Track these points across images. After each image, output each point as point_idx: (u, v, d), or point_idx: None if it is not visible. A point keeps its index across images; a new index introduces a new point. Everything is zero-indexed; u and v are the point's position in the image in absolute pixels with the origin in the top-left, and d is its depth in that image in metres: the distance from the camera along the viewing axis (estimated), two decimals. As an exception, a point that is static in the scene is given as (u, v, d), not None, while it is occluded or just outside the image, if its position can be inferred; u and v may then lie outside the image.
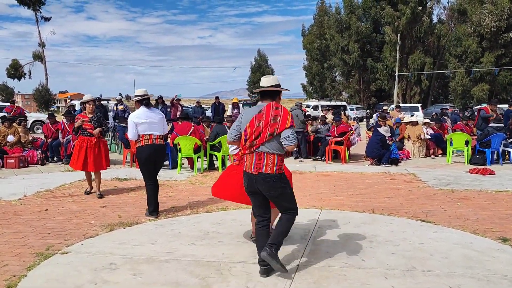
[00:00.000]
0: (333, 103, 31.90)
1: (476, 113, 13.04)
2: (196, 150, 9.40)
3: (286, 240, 4.72)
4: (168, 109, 14.88)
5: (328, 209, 6.12)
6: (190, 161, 9.78)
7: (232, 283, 3.58)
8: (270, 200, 3.81)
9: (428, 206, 6.31)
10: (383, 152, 10.54)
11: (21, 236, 4.89)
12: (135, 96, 6.00)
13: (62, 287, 3.51)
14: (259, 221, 3.87)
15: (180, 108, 15.01)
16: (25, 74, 55.06)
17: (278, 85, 3.83)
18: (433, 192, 7.31)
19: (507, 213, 5.87)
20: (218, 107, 15.53)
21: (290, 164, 10.82)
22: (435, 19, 46.43)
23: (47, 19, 54.02)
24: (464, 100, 41.38)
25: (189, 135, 9.44)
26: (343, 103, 33.92)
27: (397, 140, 12.74)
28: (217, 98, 15.78)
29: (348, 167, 10.22)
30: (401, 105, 34.81)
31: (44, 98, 52.23)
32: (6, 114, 14.33)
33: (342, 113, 21.22)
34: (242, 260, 4.11)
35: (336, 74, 52.38)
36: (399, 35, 40.00)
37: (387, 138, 10.74)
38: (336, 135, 11.49)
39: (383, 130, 10.63)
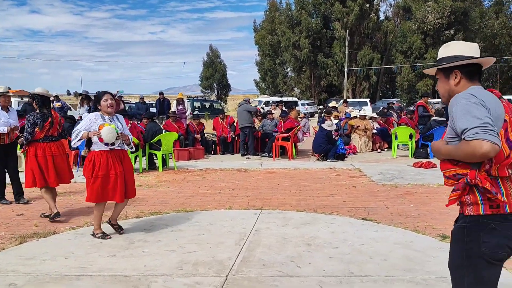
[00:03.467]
0: (284, 98, 31.87)
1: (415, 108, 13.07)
2: (136, 149, 8.80)
3: (219, 247, 4.36)
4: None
5: (268, 209, 5.79)
6: (128, 161, 9.17)
7: (149, 302, 3.16)
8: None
9: (371, 203, 6.12)
10: (329, 147, 10.39)
11: None
12: None
13: None
14: None
15: (123, 105, 14.24)
16: (-41, 70, 51.34)
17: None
18: (377, 187, 7.17)
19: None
20: (163, 103, 14.89)
21: (237, 161, 10.47)
22: (382, 16, 47.57)
23: (-17, 11, 50.79)
24: (410, 94, 42.67)
25: (126, 133, 8.81)
26: (294, 98, 34.03)
27: (345, 135, 12.69)
28: (161, 93, 15.13)
29: (294, 163, 9.99)
30: (351, 100, 35.43)
31: (-19, 96, 48.97)
32: None
33: (297, 108, 21.16)
34: (165, 272, 3.69)
35: (288, 70, 52.59)
36: (347, 31, 40.59)
37: (333, 133, 10.59)
38: (283, 130, 11.23)
39: (327, 125, 10.46)
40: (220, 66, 62.20)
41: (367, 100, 32.94)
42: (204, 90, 62.38)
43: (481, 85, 2.16)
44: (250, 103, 12.57)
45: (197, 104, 28.19)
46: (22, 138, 5.57)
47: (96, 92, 4.96)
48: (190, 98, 29.15)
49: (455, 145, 1.98)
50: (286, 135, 10.92)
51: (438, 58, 2.23)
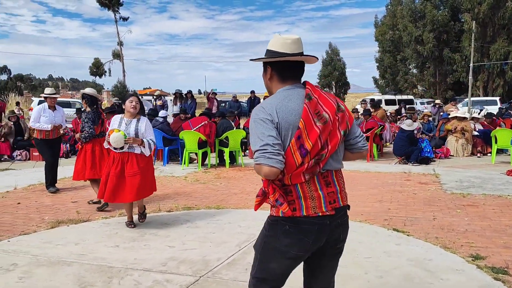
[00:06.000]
0: (398, 97, 30.16)
1: None
2: (204, 145, 9.14)
3: (218, 247, 4.30)
4: (205, 103, 14.80)
5: (299, 212, 5.52)
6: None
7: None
8: (327, 262, 2.22)
9: (418, 212, 5.46)
10: (411, 149, 9.51)
11: (-32, 229, 4.93)
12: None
13: None
14: None
15: (216, 103, 14.86)
16: (105, 71, 58.63)
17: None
18: (440, 196, 6.36)
19: (508, 225, 4.88)
20: (254, 101, 15.21)
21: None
22: (522, 3, 41.91)
23: (125, 19, 57.15)
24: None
25: (196, 129, 9.16)
26: (410, 96, 31.83)
27: (440, 137, 11.52)
28: (252, 92, 15.46)
29: (369, 166, 9.35)
30: (477, 98, 32.02)
31: (121, 94, 55.37)
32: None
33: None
34: (147, 267, 3.75)
35: (410, 66, 49.51)
36: (474, 22, 36.72)
37: (415, 133, 9.67)
38: (363, 131, 10.61)
39: (407, 125, 9.57)
40: (339, 64, 61.08)
41: (497, 98, 29.36)
42: (321, 88, 61.87)
43: (299, 80, 2.12)
44: None
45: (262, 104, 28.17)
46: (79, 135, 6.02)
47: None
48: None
49: None
50: (366, 135, 10.29)
51: None
